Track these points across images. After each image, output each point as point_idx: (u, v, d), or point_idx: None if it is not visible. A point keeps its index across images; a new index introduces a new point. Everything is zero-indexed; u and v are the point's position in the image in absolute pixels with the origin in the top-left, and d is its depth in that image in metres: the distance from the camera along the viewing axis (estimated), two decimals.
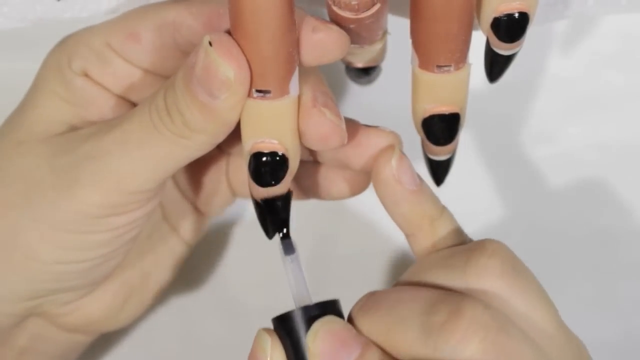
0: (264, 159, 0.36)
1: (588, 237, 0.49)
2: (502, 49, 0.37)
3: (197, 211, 0.45)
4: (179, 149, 0.36)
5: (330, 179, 0.42)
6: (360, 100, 0.51)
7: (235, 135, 0.37)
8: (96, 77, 0.39)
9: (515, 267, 0.35)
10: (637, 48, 0.50)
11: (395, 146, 0.38)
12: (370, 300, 0.35)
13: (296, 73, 0.35)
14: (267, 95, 0.35)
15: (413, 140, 0.41)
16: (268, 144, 0.36)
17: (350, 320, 0.35)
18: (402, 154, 0.38)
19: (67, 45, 0.40)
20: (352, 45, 0.39)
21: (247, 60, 0.34)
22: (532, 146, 0.50)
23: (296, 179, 0.41)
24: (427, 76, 0.37)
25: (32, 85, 0.40)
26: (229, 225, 0.51)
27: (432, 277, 0.35)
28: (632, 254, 0.49)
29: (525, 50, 0.38)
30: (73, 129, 0.39)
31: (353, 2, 0.35)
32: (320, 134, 0.37)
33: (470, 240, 0.38)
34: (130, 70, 0.40)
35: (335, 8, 0.35)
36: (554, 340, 0.35)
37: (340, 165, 0.40)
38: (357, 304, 0.36)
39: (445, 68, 0.37)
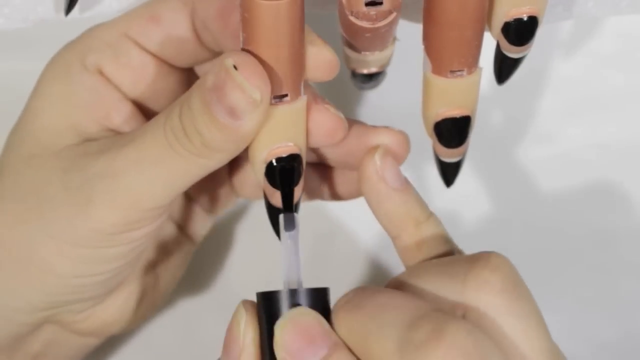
0: (284, 162, 0.36)
1: (588, 237, 0.50)
2: (512, 52, 0.38)
3: (202, 211, 0.45)
4: (195, 167, 0.36)
5: (337, 180, 0.42)
6: (363, 103, 0.51)
7: None
8: (110, 72, 0.39)
9: (516, 287, 0.34)
10: (637, 48, 0.50)
11: (381, 145, 0.38)
12: (355, 297, 0.34)
13: (304, 75, 0.36)
14: (284, 99, 0.35)
15: (416, 140, 0.41)
16: (285, 148, 0.36)
17: (332, 313, 0.34)
18: (387, 152, 0.38)
19: (78, 43, 0.40)
20: (364, 53, 0.40)
21: (267, 70, 0.34)
22: (532, 146, 0.50)
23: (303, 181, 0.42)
24: (440, 81, 0.38)
25: (34, 90, 0.40)
26: (231, 225, 0.51)
27: (429, 282, 0.35)
28: (632, 254, 0.49)
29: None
30: (82, 135, 0.39)
31: (372, 12, 0.35)
32: (327, 129, 0.37)
33: (459, 250, 0.38)
34: (145, 59, 0.40)
35: (352, 18, 0.35)
36: None
37: (348, 166, 0.40)
38: (342, 298, 0.35)
39: (458, 73, 0.37)
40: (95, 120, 0.39)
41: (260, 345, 0.34)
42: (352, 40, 0.38)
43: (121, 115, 0.40)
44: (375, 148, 0.38)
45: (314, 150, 0.40)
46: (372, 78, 0.42)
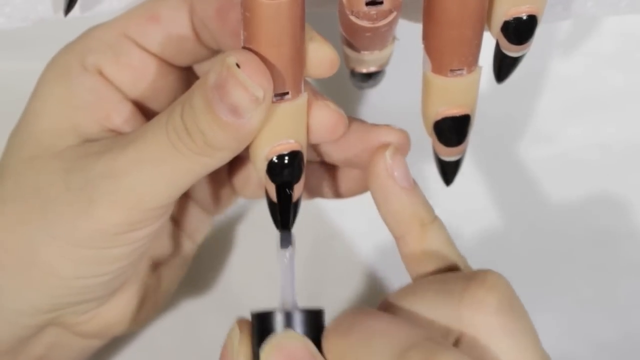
0: (286, 160, 0.36)
1: (588, 237, 0.50)
2: (512, 51, 0.38)
3: (202, 210, 0.45)
4: (198, 166, 0.36)
5: (338, 178, 0.42)
6: (362, 102, 0.51)
7: None
8: (110, 72, 0.39)
9: (512, 307, 0.34)
10: (637, 48, 0.50)
11: (392, 144, 0.38)
12: (346, 321, 0.34)
13: (304, 72, 0.36)
14: (286, 97, 0.35)
15: (416, 139, 0.41)
16: (286, 145, 0.36)
17: (323, 337, 0.34)
18: (397, 151, 0.38)
19: (78, 44, 0.40)
20: (363, 52, 0.40)
21: (269, 69, 0.34)
22: (532, 146, 0.50)
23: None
24: (440, 80, 0.38)
25: (34, 92, 0.40)
26: (231, 226, 0.51)
27: (423, 302, 0.35)
28: (632, 254, 0.49)
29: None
30: (83, 136, 0.39)
31: (372, 12, 0.35)
32: (328, 125, 0.37)
33: (461, 256, 0.38)
34: (144, 59, 0.40)
35: (353, 18, 0.35)
36: None
37: (349, 164, 0.40)
38: (334, 321, 0.35)
39: (458, 72, 0.37)
40: (96, 121, 0.39)
41: None
42: (352, 39, 0.38)
43: (121, 116, 0.40)
44: (385, 146, 0.38)
45: (314, 148, 0.40)
46: (371, 77, 0.42)
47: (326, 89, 0.44)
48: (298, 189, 0.37)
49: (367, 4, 0.35)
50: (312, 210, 0.48)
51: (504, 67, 0.39)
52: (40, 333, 0.41)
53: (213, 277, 0.50)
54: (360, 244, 0.50)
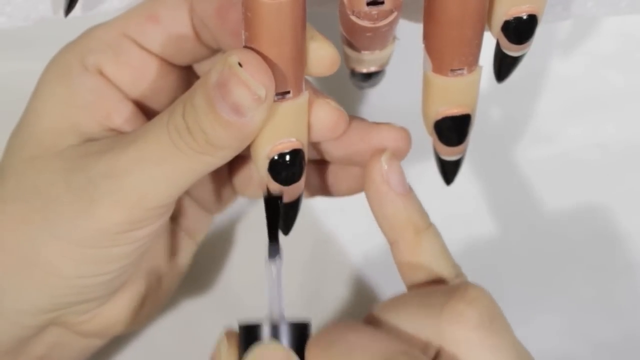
0: (288, 158, 0.36)
1: (588, 237, 0.50)
2: (512, 51, 0.39)
3: (202, 209, 0.45)
4: (199, 165, 0.36)
5: (338, 176, 0.42)
6: (362, 102, 0.51)
7: None
8: (110, 71, 0.40)
9: (493, 321, 0.34)
10: (637, 48, 0.50)
11: (388, 149, 0.38)
12: (328, 334, 0.35)
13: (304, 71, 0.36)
14: (287, 95, 0.35)
15: (416, 139, 0.41)
16: (288, 143, 0.36)
17: (306, 349, 0.35)
18: (393, 156, 0.38)
19: (78, 44, 0.40)
20: (364, 52, 0.40)
21: (271, 68, 0.34)
22: (532, 146, 0.50)
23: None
24: (440, 80, 0.38)
25: (34, 92, 0.40)
26: (231, 226, 0.51)
27: (405, 316, 0.35)
28: (632, 254, 0.49)
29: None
30: (83, 136, 0.39)
31: (373, 12, 0.35)
32: (328, 123, 0.37)
33: (455, 264, 0.38)
34: (144, 58, 0.40)
35: (353, 18, 0.35)
36: None
37: (350, 162, 0.40)
38: (317, 334, 0.35)
39: (459, 71, 0.37)
40: (97, 120, 0.39)
41: None
42: (353, 39, 0.38)
43: (122, 115, 0.40)
44: (381, 150, 0.38)
45: (315, 147, 0.40)
46: (371, 77, 0.43)
47: (326, 88, 0.44)
48: (298, 188, 0.38)
49: (368, 4, 0.35)
50: (307, 214, 0.48)
51: (504, 66, 0.40)
52: (42, 333, 0.41)
53: (213, 276, 0.50)
54: (355, 248, 0.50)
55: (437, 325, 0.34)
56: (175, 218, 0.44)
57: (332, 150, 0.40)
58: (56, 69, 0.40)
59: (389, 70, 0.44)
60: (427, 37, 0.37)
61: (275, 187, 0.37)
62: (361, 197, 0.42)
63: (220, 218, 0.50)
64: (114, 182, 0.37)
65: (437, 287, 0.36)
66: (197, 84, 0.35)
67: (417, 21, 0.38)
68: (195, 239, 0.45)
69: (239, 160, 0.44)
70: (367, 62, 0.41)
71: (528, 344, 0.48)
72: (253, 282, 0.50)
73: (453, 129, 0.39)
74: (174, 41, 0.40)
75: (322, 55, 0.36)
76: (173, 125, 0.36)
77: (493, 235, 0.50)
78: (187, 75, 0.42)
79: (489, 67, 0.40)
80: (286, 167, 0.36)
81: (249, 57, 0.34)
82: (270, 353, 0.34)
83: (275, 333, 0.35)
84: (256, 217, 0.50)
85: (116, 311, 0.42)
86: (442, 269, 0.37)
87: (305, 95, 0.36)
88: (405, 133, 0.39)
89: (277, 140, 0.36)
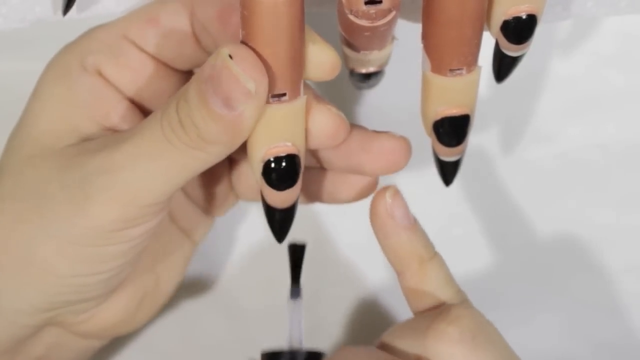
0: (282, 162, 0.36)
1: (588, 236, 0.50)
2: (511, 51, 0.38)
3: (202, 211, 0.45)
4: (193, 161, 0.36)
5: (337, 184, 0.42)
6: (362, 102, 0.51)
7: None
8: (109, 73, 0.40)
9: (475, 337, 0.36)
10: (637, 48, 0.50)
11: (393, 186, 0.39)
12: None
13: (303, 75, 0.36)
14: (283, 98, 0.35)
15: (417, 139, 0.41)
16: (283, 147, 0.36)
17: None
18: (398, 191, 0.39)
19: (78, 44, 0.40)
20: (362, 52, 0.40)
21: (266, 68, 0.34)
22: (532, 146, 0.50)
23: (302, 185, 0.41)
24: (439, 80, 0.38)
25: (34, 92, 0.40)
26: (232, 226, 0.50)
27: (399, 339, 0.38)
28: (632, 254, 0.49)
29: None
30: (81, 136, 0.39)
31: (371, 11, 0.35)
32: (328, 130, 0.37)
33: (460, 291, 0.39)
34: (144, 61, 0.40)
35: (351, 17, 0.35)
36: None
37: (350, 171, 0.40)
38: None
39: (458, 71, 0.37)
40: (95, 121, 0.39)
41: None
42: (351, 39, 0.38)
43: (121, 116, 0.40)
44: (386, 188, 0.39)
45: (314, 155, 0.40)
46: (371, 77, 0.42)
47: (325, 89, 0.44)
48: (291, 195, 0.37)
49: (366, 3, 0.34)
50: (307, 214, 0.48)
51: (503, 66, 0.40)
52: (40, 333, 0.41)
53: (213, 277, 0.50)
54: (354, 249, 0.51)
55: (424, 345, 0.36)
56: (175, 219, 0.44)
57: (331, 159, 0.40)
58: (56, 69, 0.40)
59: (389, 71, 0.44)
60: (426, 37, 0.37)
61: (269, 193, 0.37)
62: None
63: (221, 218, 0.50)
64: (108, 178, 0.37)
65: (428, 312, 0.38)
66: (192, 79, 0.35)
67: (417, 21, 0.38)
68: (195, 241, 0.45)
69: (239, 163, 0.44)
70: (366, 62, 0.41)
71: (528, 344, 0.48)
72: (253, 283, 0.50)
73: (452, 130, 0.39)
74: (174, 45, 0.40)
75: (323, 60, 0.36)
76: (167, 119, 0.36)
77: (493, 236, 0.50)
78: (187, 80, 0.42)
79: (488, 67, 0.40)
80: (279, 172, 0.36)
81: (241, 51, 0.34)
82: None
83: (295, 359, 0.38)
84: (257, 217, 0.50)
85: (114, 312, 0.42)
86: (446, 297, 0.39)
87: (302, 100, 0.36)
88: (405, 142, 0.39)
89: (272, 143, 0.36)
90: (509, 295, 0.49)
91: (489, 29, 0.38)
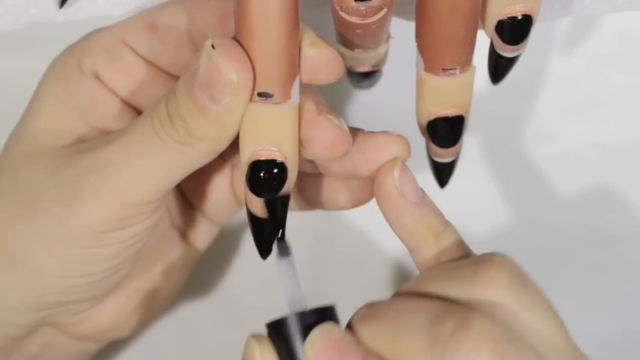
0: (263, 167, 0.35)
1: (588, 237, 0.49)
2: (506, 51, 0.38)
3: (205, 219, 0.44)
4: (181, 158, 0.36)
5: (335, 190, 0.41)
6: (361, 102, 0.51)
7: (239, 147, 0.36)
8: (106, 76, 0.39)
9: (524, 281, 0.34)
10: (637, 48, 0.50)
11: (397, 158, 0.37)
12: (371, 309, 0.34)
13: (298, 79, 0.35)
14: (270, 99, 0.34)
15: (415, 141, 0.41)
16: (267, 152, 0.35)
17: (350, 328, 0.34)
18: (405, 165, 0.37)
19: (77, 46, 0.40)
20: (357, 50, 0.39)
21: (251, 63, 0.34)
22: (532, 146, 0.50)
23: (300, 190, 0.41)
24: (432, 79, 0.37)
25: (34, 93, 0.40)
26: (233, 228, 0.51)
27: (437, 288, 0.35)
28: (632, 254, 0.49)
29: (525, 49, 0.39)
30: (78, 137, 0.39)
31: (361, 8, 0.34)
32: (328, 141, 0.36)
33: (473, 253, 0.37)
34: (140, 66, 0.40)
35: (342, 14, 0.35)
36: (562, 354, 0.34)
37: (347, 175, 0.39)
38: (356, 313, 0.35)
39: (451, 71, 0.37)
40: (91, 123, 0.39)
41: None
42: (345, 36, 0.38)
43: (116, 119, 0.40)
44: (391, 162, 0.37)
45: (310, 160, 0.39)
46: (368, 76, 0.42)
47: (323, 89, 0.44)
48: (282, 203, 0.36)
49: (356, 0, 0.34)
50: (308, 212, 0.48)
51: (499, 67, 0.39)
52: (34, 333, 0.41)
53: (214, 278, 0.50)
54: (363, 243, 0.50)
55: (472, 293, 0.34)
56: (176, 225, 0.44)
57: (329, 166, 0.39)
58: (55, 70, 0.40)
59: (387, 70, 0.43)
60: (419, 36, 0.37)
61: (251, 199, 0.36)
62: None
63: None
64: (97, 176, 0.36)
65: (462, 261, 0.36)
66: (182, 74, 0.35)
67: (414, 20, 0.38)
68: (198, 248, 0.45)
69: (240, 171, 0.44)
70: (362, 60, 0.41)
71: None
72: (254, 284, 0.50)
73: (446, 130, 0.38)
74: (171, 50, 0.39)
75: (324, 62, 0.35)
76: (156, 114, 0.36)
77: (493, 235, 0.50)
78: None
79: (486, 67, 0.40)
80: (261, 178, 0.35)
81: (224, 42, 0.33)
82: (330, 333, 0.33)
83: (306, 321, 0.34)
84: None
85: (109, 315, 0.42)
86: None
87: (291, 104, 0.35)
88: (403, 140, 0.38)
89: (257, 145, 0.35)
90: None
91: (484, 28, 0.37)
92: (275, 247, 0.37)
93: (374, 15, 0.35)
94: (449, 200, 0.49)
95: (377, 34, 0.37)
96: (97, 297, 0.41)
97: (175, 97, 0.35)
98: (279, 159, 0.35)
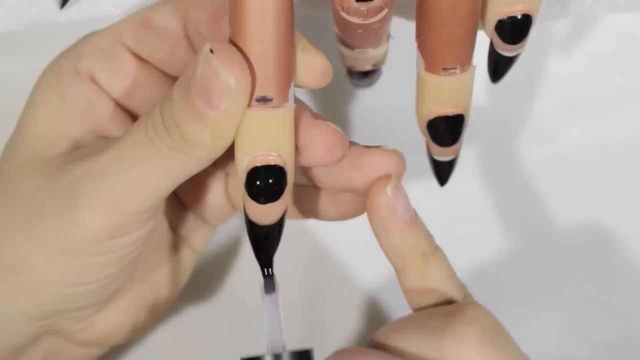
0: (264, 173, 0.34)
1: (588, 237, 0.49)
2: (506, 51, 0.38)
3: (202, 222, 0.44)
4: (176, 165, 0.35)
5: (329, 202, 0.41)
6: (360, 102, 0.51)
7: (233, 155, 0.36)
8: (102, 78, 0.39)
9: (495, 338, 0.34)
10: (637, 48, 0.50)
11: (391, 175, 0.37)
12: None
13: (293, 83, 0.35)
14: (268, 103, 0.34)
15: (415, 140, 0.41)
16: (267, 157, 0.34)
17: None
18: (399, 183, 0.37)
19: (72, 50, 0.40)
20: (357, 50, 0.39)
21: (250, 67, 0.33)
22: (532, 146, 0.50)
23: (295, 201, 0.41)
24: (432, 79, 0.37)
25: (29, 98, 0.40)
26: (234, 230, 0.50)
27: (407, 340, 0.35)
28: (632, 254, 0.49)
29: (525, 49, 0.39)
30: (74, 143, 0.39)
31: (362, 8, 0.34)
32: (327, 145, 0.36)
33: (462, 285, 0.38)
34: (137, 66, 0.39)
35: (343, 14, 0.35)
36: None
37: (343, 188, 0.39)
38: None
39: (451, 70, 0.37)
40: (87, 127, 0.39)
41: None
42: (345, 36, 0.38)
43: (112, 123, 0.39)
44: (385, 178, 0.37)
45: (305, 173, 0.39)
46: (367, 76, 0.42)
47: (324, 89, 0.44)
48: (277, 209, 0.36)
49: (357, 0, 0.34)
50: (305, 229, 0.48)
51: (498, 66, 0.39)
52: (37, 341, 0.41)
53: (215, 280, 0.50)
54: (354, 263, 0.50)
55: (440, 348, 0.34)
56: (174, 229, 0.44)
57: (323, 177, 0.39)
58: (50, 74, 0.39)
59: (386, 70, 0.43)
60: (419, 35, 0.37)
61: (250, 206, 0.35)
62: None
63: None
64: (92, 185, 0.36)
65: (436, 309, 0.36)
66: (178, 79, 0.35)
67: (414, 19, 0.38)
68: (196, 251, 0.45)
69: (234, 177, 0.43)
70: (362, 60, 0.41)
71: (528, 344, 0.48)
72: (255, 286, 0.50)
73: (446, 129, 0.39)
74: (167, 48, 0.39)
75: (313, 68, 0.35)
76: (151, 120, 0.35)
77: (493, 236, 0.50)
78: None
79: (485, 67, 0.40)
80: (261, 184, 0.35)
81: (222, 46, 0.33)
82: None
83: None
84: None
85: (112, 320, 0.42)
86: (449, 292, 0.37)
87: (289, 107, 0.35)
88: (399, 157, 0.38)
89: (256, 151, 0.34)
90: (509, 295, 0.49)
91: (484, 28, 0.38)
92: (261, 283, 0.37)
93: (375, 15, 0.35)
94: (448, 200, 0.49)
95: (377, 34, 0.37)
96: (99, 304, 0.40)
97: (171, 102, 0.34)
98: (279, 164, 0.35)
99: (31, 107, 0.39)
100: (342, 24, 0.36)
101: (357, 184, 0.38)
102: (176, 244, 0.44)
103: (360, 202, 0.40)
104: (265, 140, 0.34)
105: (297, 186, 0.41)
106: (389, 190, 0.36)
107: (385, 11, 0.35)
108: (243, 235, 0.51)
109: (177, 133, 0.34)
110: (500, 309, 0.48)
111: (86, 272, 0.38)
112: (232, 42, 0.34)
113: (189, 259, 0.45)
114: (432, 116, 0.38)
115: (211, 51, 0.33)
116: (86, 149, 0.38)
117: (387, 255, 0.37)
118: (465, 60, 0.37)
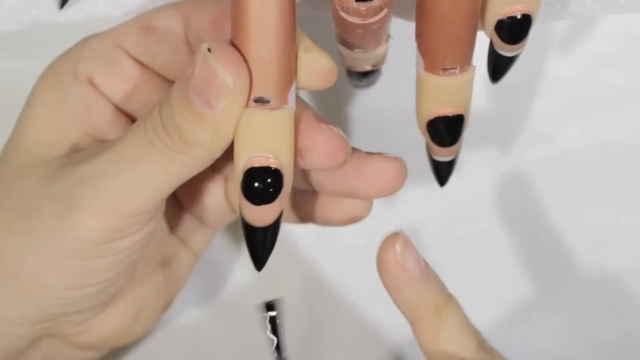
0: (259, 174, 0.34)
1: (588, 237, 0.49)
2: (506, 51, 0.38)
3: (202, 225, 0.44)
4: (175, 166, 0.35)
5: (329, 207, 0.41)
6: (360, 102, 0.51)
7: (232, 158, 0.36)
8: (100, 81, 0.39)
9: None
10: (637, 48, 0.50)
11: (400, 232, 0.37)
12: None
13: (294, 85, 0.35)
14: (266, 104, 0.34)
15: (414, 140, 0.41)
16: (263, 159, 0.34)
17: None
18: (407, 239, 0.37)
19: (70, 53, 0.39)
20: (357, 50, 0.39)
21: (248, 67, 0.33)
22: (532, 146, 0.50)
23: (294, 207, 0.41)
24: (432, 79, 0.37)
25: (27, 101, 0.40)
26: (234, 231, 0.50)
27: None
28: (632, 254, 0.49)
29: (525, 50, 0.39)
30: (72, 146, 0.39)
31: (362, 8, 0.34)
32: (329, 149, 0.36)
33: (477, 332, 0.37)
34: (136, 70, 0.39)
35: (343, 14, 0.35)
36: None
37: (343, 194, 0.39)
38: None
39: (451, 70, 0.37)
40: (85, 131, 0.39)
41: None
42: (345, 36, 0.38)
43: (110, 126, 0.39)
44: (394, 235, 0.37)
45: (305, 177, 0.39)
46: (367, 76, 0.42)
47: (324, 90, 0.44)
48: (272, 211, 0.36)
49: (357, 0, 0.34)
50: (306, 230, 0.48)
51: (498, 66, 0.39)
52: (36, 344, 0.41)
53: (216, 283, 0.50)
54: (354, 265, 0.50)
55: None
56: (174, 230, 0.44)
57: (323, 182, 0.39)
58: (49, 77, 0.39)
59: (387, 70, 0.43)
60: (419, 36, 0.37)
61: (246, 207, 0.35)
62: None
63: None
64: (91, 187, 0.36)
65: None
66: (176, 80, 0.35)
67: (414, 20, 0.38)
68: (196, 252, 0.45)
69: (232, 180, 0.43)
70: (361, 60, 0.41)
71: (528, 344, 0.48)
72: (256, 286, 0.50)
73: (445, 129, 0.39)
74: (167, 52, 0.39)
75: (318, 68, 0.35)
76: (150, 121, 0.35)
77: (493, 236, 0.50)
78: None
79: (485, 67, 0.40)
80: (256, 185, 0.34)
81: (220, 45, 0.33)
82: None
83: None
84: None
85: (111, 323, 0.42)
86: (465, 342, 0.37)
87: (288, 109, 0.34)
88: (400, 164, 0.38)
89: (252, 152, 0.34)
90: (509, 295, 0.49)
91: (483, 28, 0.38)
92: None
93: (374, 15, 0.35)
94: (448, 201, 0.49)
95: (377, 34, 0.37)
96: (98, 306, 0.40)
97: (169, 103, 0.34)
98: (275, 166, 0.35)
99: (29, 109, 0.39)
100: (342, 24, 0.36)
101: (359, 190, 0.38)
102: (175, 246, 0.44)
103: (359, 208, 0.40)
104: (262, 142, 0.34)
105: (296, 191, 0.41)
106: (398, 248, 0.36)
107: (385, 11, 0.35)
108: (243, 237, 0.51)
109: (176, 133, 0.34)
110: (500, 309, 0.49)
111: (85, 275, 0.38)
112: (232, 43, 0.34)
113: (188, 261, 0.44)
114: (432, 116, 0.38)
115: (209, 50, 0.33)
116: (85, 151, 0.38)
117: (399, 308, 0.37)
118: (465, 61, 0.37)
